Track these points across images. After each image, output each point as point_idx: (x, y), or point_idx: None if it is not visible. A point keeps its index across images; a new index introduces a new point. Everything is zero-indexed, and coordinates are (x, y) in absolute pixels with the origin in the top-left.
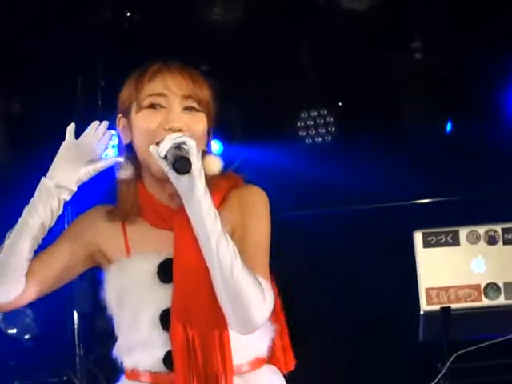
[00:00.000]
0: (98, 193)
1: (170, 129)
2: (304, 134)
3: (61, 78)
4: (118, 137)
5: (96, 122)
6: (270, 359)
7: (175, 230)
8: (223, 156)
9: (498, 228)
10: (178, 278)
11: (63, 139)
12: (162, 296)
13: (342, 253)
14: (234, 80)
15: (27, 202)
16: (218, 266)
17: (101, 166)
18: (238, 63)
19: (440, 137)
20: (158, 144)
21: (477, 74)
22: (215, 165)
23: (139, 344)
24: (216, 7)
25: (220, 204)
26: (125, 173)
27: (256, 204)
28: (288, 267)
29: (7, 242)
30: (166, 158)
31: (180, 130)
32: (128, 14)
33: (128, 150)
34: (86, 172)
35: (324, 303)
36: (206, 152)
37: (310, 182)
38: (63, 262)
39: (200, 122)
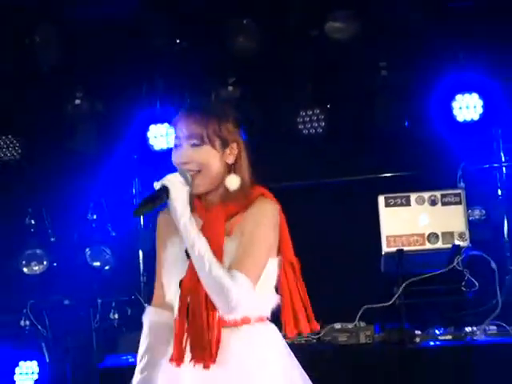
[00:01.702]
0: None
1: (177, 164)
2: (302, 126)
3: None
4: None
5: None
6: (281, 320)
7: (203, 217)
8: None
9: (438, 194)
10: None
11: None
12: (185, 267)
13: (327, 213)
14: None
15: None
16: (201, 267)
17: None
18: (257, 79)
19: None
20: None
21: (428, 86)
22: (233, 182)
23: (171, 299)
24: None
25: (234, 215)
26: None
27: (261, 217)
28: None
29: None
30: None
31: (186, 163)
32: (178, 41)
33: None
34: None
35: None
36: (231, 167)
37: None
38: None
39: (201, 154)
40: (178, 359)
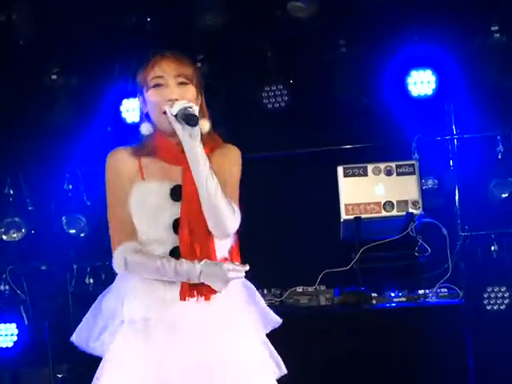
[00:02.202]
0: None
1: (169, 100)
2: (266, 101)
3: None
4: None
5: None
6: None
7: (183, 167)
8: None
9: (393, 164)
10: (186, 198)
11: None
12: (174, 210)
13: (289, 183)
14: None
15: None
16: (206, 194)
17: None
18: (224, 56)
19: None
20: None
21: (385, 62)
22: (205, 126)
23: (155, 241)
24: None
25: (208, 155)
26: (146, 129)
27: (234, 159)
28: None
29: None
30: (176, 116)
31: (176, 100)
32: (148, 19)
33: (146, 116)
34: None
35: (272, 219)
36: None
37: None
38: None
39: (189, 92)
40: (188, 295)
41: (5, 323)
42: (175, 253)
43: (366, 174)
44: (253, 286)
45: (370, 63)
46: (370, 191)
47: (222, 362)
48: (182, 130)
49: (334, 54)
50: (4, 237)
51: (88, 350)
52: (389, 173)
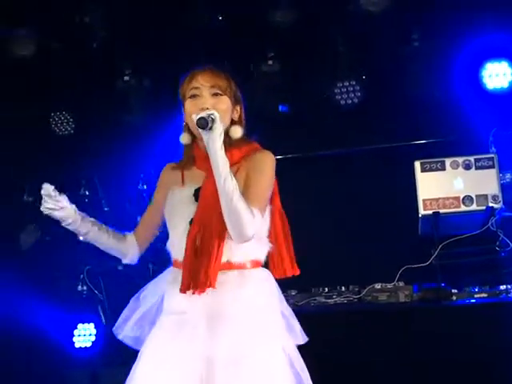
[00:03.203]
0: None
1: (201, 108)
2: (339, 97)
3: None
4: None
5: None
6: (269, 266)
7: (207, 169)
8: None
9: (472, 158)
10: (201, 198)
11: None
12: (193, 209)
13: (367, 179)
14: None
15: None
16: (224, 194)
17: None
18: (295, 52)
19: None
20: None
21: (459, 55)
22: (237, 132)
23: (177, 240)
24: (277, 12)
25: (240, 160)
26: (184, 139)
27: (263, 164)
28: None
29: None
30: (196, 122)
31: (207, 109)
32: (220, 18)
33: (187, 126)
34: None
35: (351, 216)
36: (233, 122)
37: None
38: (157, 214)
39: (223, 103)
40: (185, 288)
41: (83, 323)
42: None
43: (443, 169)
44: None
45: (444, 57)
46: (448, 186)
47: (241, 357)
48: (203, 135)
49: (407, 48)
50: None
51: (124, 341)
52: (467, 167)
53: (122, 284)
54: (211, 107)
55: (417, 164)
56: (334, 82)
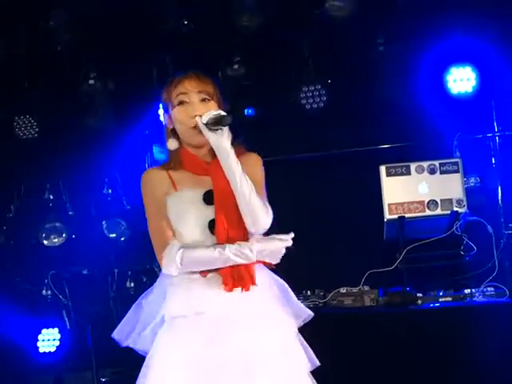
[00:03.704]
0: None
1: (194, 115)
2: (304, 101)
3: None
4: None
5: None
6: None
7: (212, 173)
8: None
9: (437, 163)
10: (217, 200)
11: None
12: (207, 212)
13: (332, 183)
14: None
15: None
16: (241, 193)
17: None
18: (261, 57)
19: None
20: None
21: (424, 60)
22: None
23: (195, 242)
24: (243, 17)
25: None
26: (172, 145)
27: (257, 165)
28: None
29: None
30: (207, 124)
31: (200, 116)
32: (185, 23)
33: (173, 131)
34: None
35: (315, 220)
36: None
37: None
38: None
39: (211, 108)
40: (232, 286)
41: (47, 328)
42: None
43: (409, 173)
44: (285, 283)
45: (409, 61)
46: (413, 190)
47: (259, 354)
48: (214, 137)
49: (372, 52)
50: (45, 242)
51: (129, 345)
52: (432, 171)
53: (86, 289)
54: (202, 114)
55: (382, 168)
56: (299, 86)
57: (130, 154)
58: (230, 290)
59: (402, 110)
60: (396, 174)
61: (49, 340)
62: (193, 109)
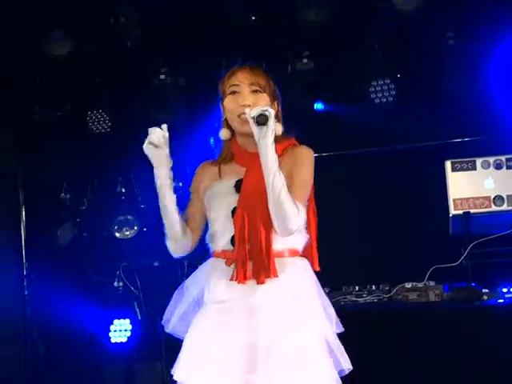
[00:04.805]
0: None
1: (243, 105)
2: (373, 96)
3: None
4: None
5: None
6: (305, 254)
7: (248, 163)
8: None
9: (503, 158)
10: (244, 188)
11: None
12: (234, 199)
13: (398, 178)
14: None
15: None
16: (272, 190)
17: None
18: (330, 51)
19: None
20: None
21: (493, 54)
22: (278, 129)
23: (219, 230)
24: (311, 11)
25: (280, 155)
26: (224, 135)
27: (304, 159)
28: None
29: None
30: (253, 118)
31: (249, 105)
32: (253, 18)
33: (227, 122)
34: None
35: (381, 214)
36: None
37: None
38: (199, 210)
39: (262, 100)
40: (243, 278)
41: (119, 319)
42: (234, 241)
43: (474, 168)
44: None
45: (479, 55)
46: (479, 185)
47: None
48: (256, 131)
49: (442, 46)
50: (117, 234)
51: (171, 332)
52: (498, 166)
53: (157, 280)
54: (252, 104)
55: (447, 164)
56: (368, 80)
57: (201, 148)
58: (242, 281)
59: (470, 105)
60: (461, 169)
61: (120, 331)
62: (243, 98)
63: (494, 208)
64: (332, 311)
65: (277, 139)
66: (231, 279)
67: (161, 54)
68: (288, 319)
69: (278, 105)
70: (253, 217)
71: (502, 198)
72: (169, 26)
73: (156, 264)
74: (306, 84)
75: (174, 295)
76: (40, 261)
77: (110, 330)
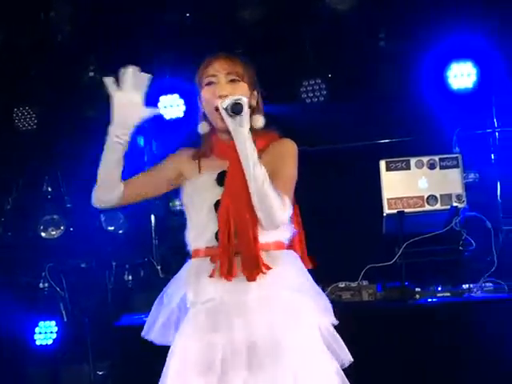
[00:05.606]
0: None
1: (220, 96)
2: (304, 96)
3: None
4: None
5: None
6: (291, 248)
7: (229, 155)
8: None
9: (436, 158)
10: (228, 181)
11: (147, 100)
12: (217, 192)
13: (331, 178)
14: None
15: None
16: (254, 180)
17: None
18: (262, 50)
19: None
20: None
21: (424, 55)
22: (259, 121)
23: (201, 225)
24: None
25: (262, 149)
26: (202, 128)
27: (288, 152)
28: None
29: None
30: (225, 109)
31: (226, 96)
32: (187, 15)
33: (204, 115)
34: (139, 118)
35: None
36: (254, 111)
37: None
38: (152, 178)
39: (240, 89)
40: (229, 275)
41: (44, 321)
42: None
43: (408, 168)
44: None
45: (410, 56)
46: (412, 185)
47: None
48: (231, 122)
49: (374, 47)
50: (43, 234)
51: (155, 341)
52: (432, 166)
53: (84, 282)
54: (229, 94)
55: (382, 163)
56: (300, 80)
57: (130, 147)
58: (229, 278)
59: (403, 105)
60: (396, 169)
61: (46, 333)
62: (220, 88)
63: (427, 207)
64: (327, 302)
65: (259, 132)
66: (212, 275)
67: (91, 50)
68: (283, 314)
69: (257, 93)
70: (238, 209)
71: (436, 198)
72: (100, 21)
73: (83, 265)
74: None
75: (154, 305)
76: None
77: (35, 332)
